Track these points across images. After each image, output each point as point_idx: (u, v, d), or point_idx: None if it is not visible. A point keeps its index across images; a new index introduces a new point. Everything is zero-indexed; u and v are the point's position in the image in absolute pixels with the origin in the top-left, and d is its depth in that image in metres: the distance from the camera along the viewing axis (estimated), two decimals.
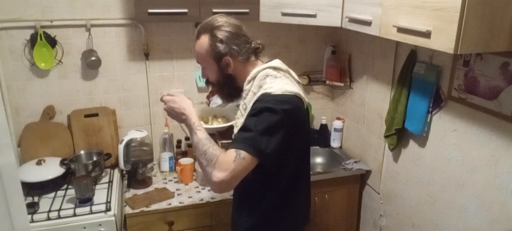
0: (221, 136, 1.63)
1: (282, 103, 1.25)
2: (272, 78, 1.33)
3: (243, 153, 1.20)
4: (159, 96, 2.35)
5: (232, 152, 1.21)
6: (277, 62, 1.40)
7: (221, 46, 1.34)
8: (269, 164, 1.25)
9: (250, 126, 1.23)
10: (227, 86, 1.43)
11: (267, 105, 1.24)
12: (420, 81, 1.81)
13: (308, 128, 1.45)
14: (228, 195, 2.06)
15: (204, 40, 1.36)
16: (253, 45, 1.40)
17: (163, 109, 1.45)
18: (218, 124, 1.61)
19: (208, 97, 2.43)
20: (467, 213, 1.67)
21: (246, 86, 1.38)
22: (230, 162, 1.20)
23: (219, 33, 1.34)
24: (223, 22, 1.36)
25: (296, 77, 1.45)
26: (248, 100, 1.35)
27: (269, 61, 1.43)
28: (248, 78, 1.37)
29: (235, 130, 1.39)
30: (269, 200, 1.37)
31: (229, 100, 1.51)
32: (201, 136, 1.29)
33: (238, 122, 1.39)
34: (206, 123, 1.60)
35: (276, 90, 1.28)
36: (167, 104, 1.40)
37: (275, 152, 1.23)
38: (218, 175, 1.20)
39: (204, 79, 1.49)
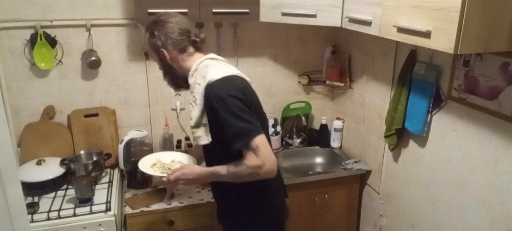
0: None
1: (231, 86, 1.41)
2: (212, 67, 1.48)
3: (253, 143, 1.36)
4: (159, 96, 2.36)
5: (249, 153, 1.37)
6: (213, 55, 1.56)
7: (153, 40, 1.53)
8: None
9: (230, 123, 1.37)
10: (169, 75, 1.60)
11: (221, 94, 1.38)
12: (420, 81, 1.81)
13: (260, 106, 1.57)
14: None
15: (146, 36, 1.57)
16: (191, 38, 1.54)
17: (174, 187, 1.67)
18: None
19: None
20: (467, 213, 1.67)
21: (190, 80, 1.52)
22: (255, 159, 1.36)
23: (156, 29, 1.52)
24: (162, 19, 1.53)
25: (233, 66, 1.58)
26: (196, 92, 1.47)
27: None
28: (190, 73, 1.52)
29: (191, 122, 1.50)
30: None
31: (175, 88, 1.67)
32: (224, 172, 1.45)
33: (192, 114, 1.50)
34: (164, 167, 1.80)
35: (218, 75, 1.42)
36: (183, 180, 1.59)
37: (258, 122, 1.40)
38: (266, 172, 1.38)
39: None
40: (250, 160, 1.37)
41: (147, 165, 1.83)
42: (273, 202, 1.61)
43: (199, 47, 1.57)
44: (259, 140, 1.37)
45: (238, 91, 1.40)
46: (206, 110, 1.45)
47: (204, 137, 1.49)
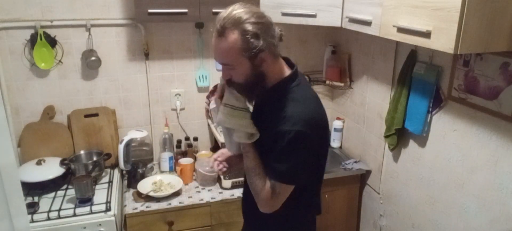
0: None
1: (312, 126, 1.21)
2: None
3: (278, 187, 1.23)
4: (159, 96, 2.36)
5: (268, 189, 1.24)
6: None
7: (256, 42, 1.15)
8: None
9: (282, 157, 1.20)
10: (260, 84, 1.24)
11: (298, 128, 1.17)
12: (420, 81, 1.81)
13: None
14: (228, 195, 2.09)
15: (233, 37, 1.15)
16: (277, 33, 1.24)
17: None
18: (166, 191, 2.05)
19: (208, 97, 2.43)
20: (467, 213, 1.67)
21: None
22: (268, 199, 1.25)
23: (251, 26, 1.14)
24: (249, 14, 1.16)
25: None
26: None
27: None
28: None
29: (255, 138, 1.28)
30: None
31: (252, 101, 1.34)
32: (249, 164, 1.29)
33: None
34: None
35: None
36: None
37: (306, 173, 1.28)
38: (263, 209, 1.29)
39: (225, 80, 1.27)
40: (265, 197, 1.25)
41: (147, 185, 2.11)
42: None
43: None
44: (286, 189, 1.24)
45: (314, 132, 1.21)
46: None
47: (256, 133, 1.27)
